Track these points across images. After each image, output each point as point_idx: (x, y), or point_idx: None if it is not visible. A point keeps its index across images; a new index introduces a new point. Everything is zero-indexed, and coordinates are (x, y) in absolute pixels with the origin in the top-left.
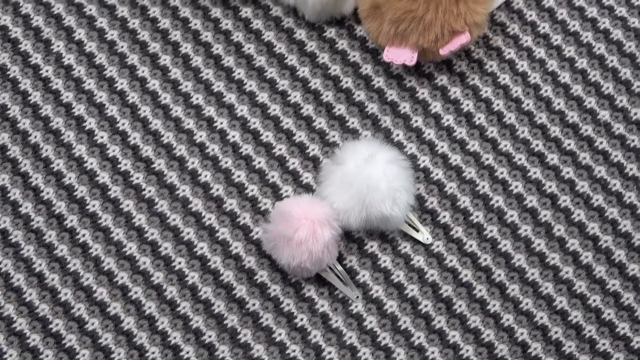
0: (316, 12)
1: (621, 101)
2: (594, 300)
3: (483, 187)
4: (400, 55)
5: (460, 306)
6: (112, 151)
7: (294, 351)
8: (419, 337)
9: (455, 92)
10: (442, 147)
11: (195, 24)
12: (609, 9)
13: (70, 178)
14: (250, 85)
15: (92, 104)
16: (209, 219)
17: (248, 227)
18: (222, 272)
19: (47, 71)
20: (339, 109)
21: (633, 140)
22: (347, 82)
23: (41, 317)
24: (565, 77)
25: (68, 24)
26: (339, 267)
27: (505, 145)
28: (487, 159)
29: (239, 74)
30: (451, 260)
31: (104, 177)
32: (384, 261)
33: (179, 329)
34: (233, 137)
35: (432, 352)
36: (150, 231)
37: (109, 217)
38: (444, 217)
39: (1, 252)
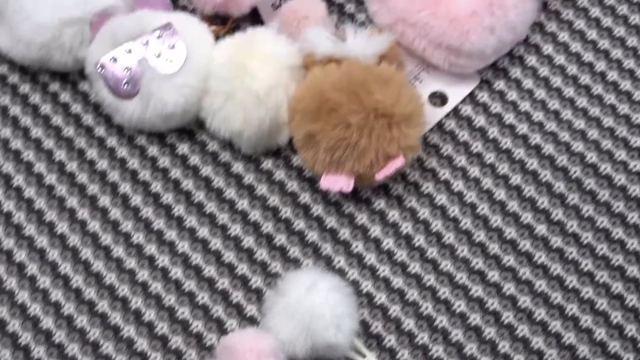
0: (252, 145)
1: (557, 214)
2: None
3: (427, 307)
4: (337, 183)
5: None
6: (55, 295)
7: None
8: None
9: (394, 215)
10: (384, 270)
11: (133, 163)
12: (539, 124)
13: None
14: (190, 221)
15: (34, 250)
16: (155, 357)
17: None
18: None
19: None
20: (280, 239)
21: (571, 252)
22: (286, 212)
23: None
24: (500, 194)
25: (6, 170)
26: None
27: (446, 265)
28: (429, 280)
29: (179, 210)
30: None
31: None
32: None
33: None
34: (175, 274)
35: None
36: None
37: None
38: (390, 340)
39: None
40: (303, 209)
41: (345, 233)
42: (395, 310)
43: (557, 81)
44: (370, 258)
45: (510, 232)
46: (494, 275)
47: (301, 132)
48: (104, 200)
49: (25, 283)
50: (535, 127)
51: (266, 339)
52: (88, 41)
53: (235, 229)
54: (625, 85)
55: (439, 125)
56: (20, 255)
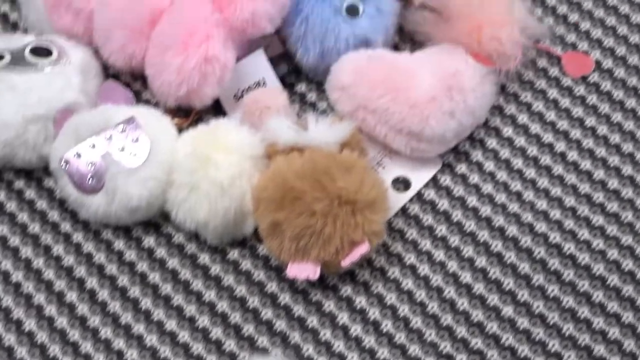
0: (218, 235)
1: (522, 295)
2: None
3: None
4: (304, 270)
5: None
6: None
7: None
8: None
9: (361, 301)
10: (352, 357)
11: (99, 258)
12: (502, 206)
13: None
14: (158, 314)
15: (0, 348)
16: None
17: None
18: None
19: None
20: (248, 329)
21: (538, 333)
22: (253, 302)
23: None
24: (466, 277)
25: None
26: None
27: (415, 350)
28: None
29: (146, 303)
30: None
31: None
32: None
33: None
34: None
35: None
36: None
37: None
38: None
39: None
40: (270, 298)
41: (313, 321)
42: None
43: (518, 163)
44: (339, 345)
45: (477, 315)
46: (462, 358)
47: (266, 221)
48: (71, 296)
49: None
50: (499, 209)
51: None
52: (52, 138)
53: (204, 321)
54: (585, 164)
55: (403, 210)
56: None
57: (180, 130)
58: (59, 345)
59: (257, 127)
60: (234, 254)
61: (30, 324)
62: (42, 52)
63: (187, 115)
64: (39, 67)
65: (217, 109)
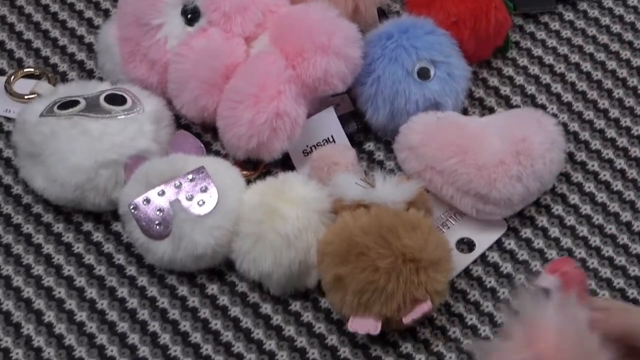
0: (281, 286)
1: None
2: None
3: None
4: (365, 325)
5: None
6: None
7: None
8: None
9: (420, 359)
10: None
11: (163, 302)
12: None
13: None
14: None
15: None
16: None
17: None
18: None
19: (17, 354)
20: None
21: None
22: (313, 354)
23: None
24: None
25: (37, 307)
26: None
27: None
28: None
29: (207, 349)
30: None
31: None
32: None
33: None
34: None
35: None
36: None
37: None
38: None
39: None
40: (330, 351)
41: None
42: None
43: (583, 230)
44: None
45: None
46: None
47: (330, 275)
48: (133, 338)
49: None
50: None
51: None
52: (122, 183)
53: None
54: None
55: (466, 271)
56: None
57: (248, 182)
58: None
59: (325, 183)
60: (296, 306)
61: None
62: (116, 100)
63: (255, 167)
64: (113, 114)
65: (285, 163)
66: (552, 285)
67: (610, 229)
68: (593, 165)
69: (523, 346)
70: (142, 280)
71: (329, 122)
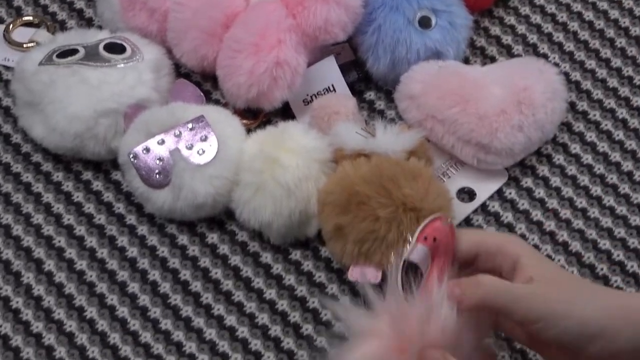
0: (281, 236)
1: None
2: None
3: None
4: (365, 274)
5: None
6: None
7: None
8: None
9: None
10: None
11: (163, 251)
12: (566, 222)
13: None
14: (218, 309)
15: (62, 333)
16: None
17: None
18: None
19: (17, 302)
20: (307, 329)
21: None
22: (314, 303)
23: None
24: None
25: (37, 255)
26: None
27: None
28: None
29: (207, 298)
30: None
31: None
32: None
33: None
34: None
35: None
36: None
37: None
38: None
39: None
40: (331, 300)
41: None
42: None
43: (584, 180)
44: None
45: None
46: None
47: (330, 224)
48: (133, 287)
49: None
50: (563, 224)
51: None
52: (122, 132)
53: (263, 318)
54: None
55: (467, 221)
56: (49, 339)
57: (248, 131)
58: (119, 334)
59: (325, 132)
60: (296, 255)
61: (92, 312)
62: (115, 48)
63: (255, 117)
64: (112, 63)
65: (285, 113)
66: (419, 258)
67: (612, 178)
68: (595, 115)
69: (385, 341)
70: (142, 229)
71: (330, 71)
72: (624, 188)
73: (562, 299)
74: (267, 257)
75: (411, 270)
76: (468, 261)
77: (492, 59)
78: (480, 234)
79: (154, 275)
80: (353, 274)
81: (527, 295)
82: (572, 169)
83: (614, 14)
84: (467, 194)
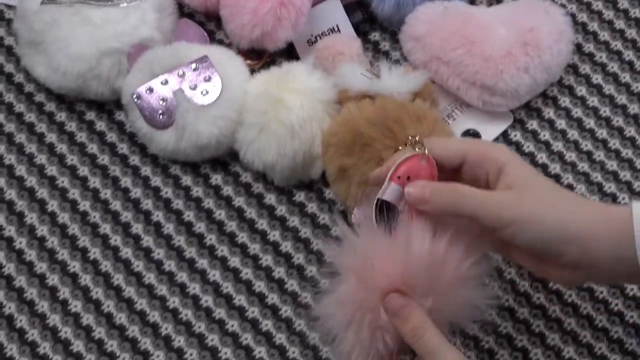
0: (285, 177)
1: None
2: None
3: None
4: None
5: None
6: (87, 319)
7: None
8: None
9: None
10: None
11: (167, 192)
12: (571, 165)
13: (44, 347)
14: (222, 250)
15: (66, 274)
16: None
17: None
18: None
19: (20, 243)
20: (311, 270)
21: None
22: (317, 245)
23: None
24: None
25: (41, 196)
26: None
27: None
28: None
29: (211, 239)
30: None
31: (78, 345)
32: None
33: None
34: (206, 302)
35: None
36: None
37: None
38: None
39: None
40: (335, 241)
41: None
42: None
43: (590, 122)
44: None
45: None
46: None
47: (334, 166)
48: (137, 228)
49: (57, 306)
50: (568, 167)
51: None
52: (125, 72)
53: (267, 260)
54: None
55: None
56: (53, 279)
57: (252, 71)
58: (122, 275)
59: (330, 73)
60: (300, 196)
61: (95, 253)
62: None
63: (259, 57)
64: (115, 2)
65: (290, 53)
66: (392, 197)
67: (618, 121)
68: (601, 57)
69: (353, 284)
70: (146, 170)
71: (334, 11)
72: (630, 131)
73: (535, 205)
74: (271, 198)
75: (388, 209)
76: (454, 169)
77: (499, 0)
78: (466, 142)
79: (158, 216)
80: (357, 216)
81: (496, 201)
82: (577, 112)
83: None
84: (472, 136)
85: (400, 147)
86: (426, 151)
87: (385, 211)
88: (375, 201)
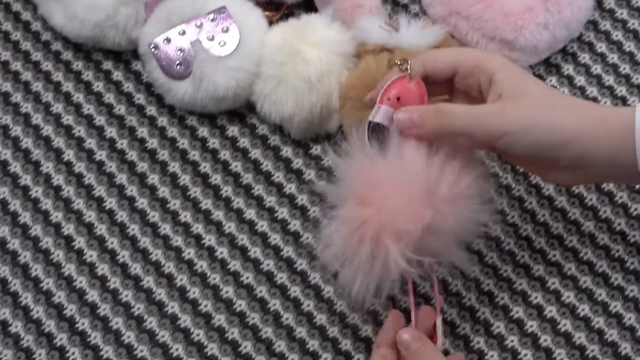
0: (302, 130)
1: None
2: None
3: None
4: None
5: None
6: (102, 269)
7: None
8: None
9: None
10: None
11: (183, 143)
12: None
13: (59, 297)
14: (238, 203)
15: (81, 224)
16: (198, 334)
17: None
18: None
19: (36, 192)
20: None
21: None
22: None
23: None
24: (549, 189)
25: (57, 145)
26: None
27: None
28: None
29: (227, 191)
30: None
31: (93, 295)
32: None
33: None
34: (221, 254)
35: None
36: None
37: (98, 334)
38: None
39: None
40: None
41: None
42: None
43: (609, 79)
44: None
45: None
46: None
47: (351, 120)
48: (153, 179)
49: (72, 256)
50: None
51: None
52: (142, 22)
53: (283, 212)
54: None
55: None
56: (68, 229)
57: (270, 23)
58: (138, 225)
59: (348, 26)
60: (316, 150)
61: (111, 203)
62: None
63: (277, 9)
64: None
65: (308, 5)
66: (383, 118)
67: (637, 78)
68: (622, 13)
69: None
70: (162, 121)
71: None
72: None
73: (528, 113)
74: (287, 151)
75: (381, 131)
76: (447, 80)
77: None
78: (457, 52)
79: (174, 167)
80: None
81: (486, 114)
82: (597, 68)
83: None
84: None
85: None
86: (409, 68)
87: (378, 134)
88: (367, 124)
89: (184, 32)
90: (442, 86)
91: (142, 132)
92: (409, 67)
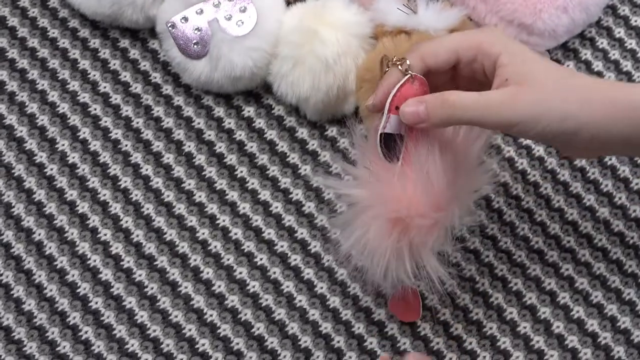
0: (318, 112)
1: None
2: None
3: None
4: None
5: None
6: (116, 248)
7: None
8: None
9: None
10: None
11: (199, 123)
12: None
13: (73, 275)
14: (253, 183)
15: (96, 202)
16: (211, 315)
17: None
18: None
19: (51, 169)
20: (341, 207)
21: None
22: (348, 179)
23: None
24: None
25: (73, 123)
26: None
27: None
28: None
29: (242, 172)
30: None
31: (106, 273)
32: None
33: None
34: (236, 234)
35: None
36: (152, 328)
37: (111, 313)
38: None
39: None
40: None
41: None
42: None
43: (627, 65)
44: None
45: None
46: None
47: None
48: (168, 158)
49: (86, 234)
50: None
51: None
52: (160, 0)
53: (297, 194)
54: None
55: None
56: (83, 207)
57: (288, 4)
58: (153, 205)
59: (367, 7)
60: (332, 131)
61: (126, 182)
62: None
63: None
64: None
65: None
66: (393, 128)
67: None
68: None
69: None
70: (179, 100)
71: None
72: None
73: (538, 101)
74: (303, 132)
75: (392, 139)
76: (453, 68)
77: None
78: (456, 38)
79: (189, 146)
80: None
81: (495, 104)
82: (615, 54)
83: None
84: None
85: (386, 69)
86: (408, 65)
87: (390, 142)
88: (379, 136)
89: (201, 11)
90: (446, 74)
91: (158, 111)
92: (408, 67)
